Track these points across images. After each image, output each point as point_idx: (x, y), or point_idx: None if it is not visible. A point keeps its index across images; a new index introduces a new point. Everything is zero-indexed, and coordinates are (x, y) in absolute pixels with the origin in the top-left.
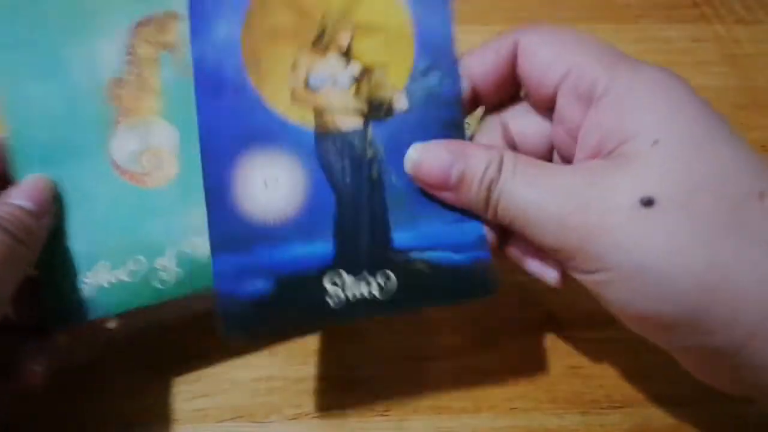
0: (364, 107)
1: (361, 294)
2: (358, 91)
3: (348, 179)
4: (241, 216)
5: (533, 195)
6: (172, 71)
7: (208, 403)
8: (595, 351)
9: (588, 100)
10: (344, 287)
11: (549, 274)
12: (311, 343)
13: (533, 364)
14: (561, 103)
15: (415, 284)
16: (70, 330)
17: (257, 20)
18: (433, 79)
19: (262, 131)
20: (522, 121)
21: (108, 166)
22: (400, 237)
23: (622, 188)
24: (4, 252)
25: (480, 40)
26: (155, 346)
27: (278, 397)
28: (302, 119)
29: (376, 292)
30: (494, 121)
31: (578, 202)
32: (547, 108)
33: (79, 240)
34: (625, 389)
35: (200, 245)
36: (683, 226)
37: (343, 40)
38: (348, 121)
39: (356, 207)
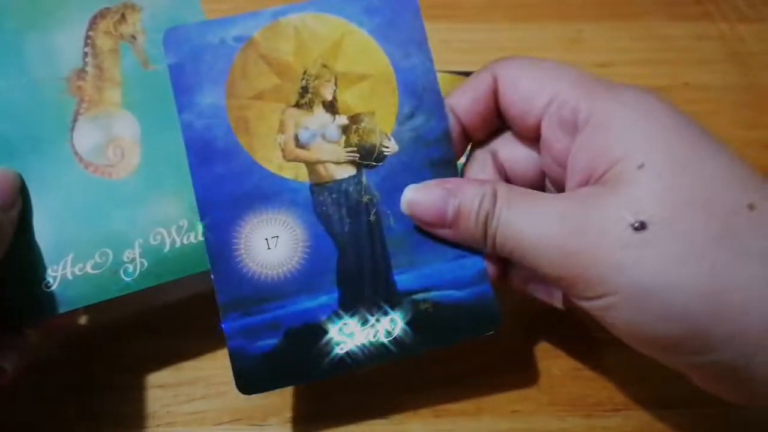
0: (356, 155)
1: (369, 341)
2: (348, 141)
3: (347, 227)
4: (247, 276)
5: (529, 225)
6: (132, 62)
7: (206, 405)
8: (597, 353)
9: (572, 127)
10: (351, 335)
11: (555, 298)
12: None
13: (535, 367)
14: (546, 133)
15: (420, 326)
16: (37, 326)
17: (239, 86)
18: (419, 120)
19: (259, 192)
20: (510, 149)
21: (71, 158)
22: (403, 279)
23: (614, 214)
24: None
25: (482, 38)
26: (152, 349)
27: (276, 400)
28: (296, 175)
29: (383, 337)
30: (483, 153)
31: (574, 229)
32: (533, 137)
33: (44, 234)
34: (627, 392)
35: (165, 236)
36: (677, 244)
37: (327, 93)
38: (341, 170)
39: (357, 254)
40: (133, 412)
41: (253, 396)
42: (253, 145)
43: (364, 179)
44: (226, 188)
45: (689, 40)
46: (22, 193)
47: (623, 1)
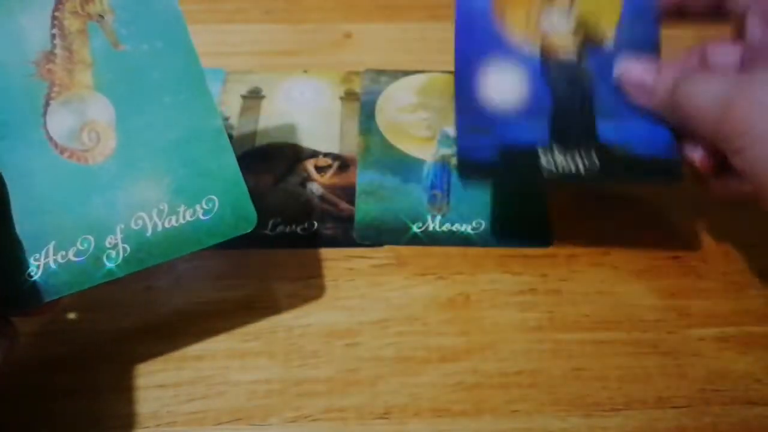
0: (580, 45)
1: (569, 168)
2: (576, 33)
3: (564, 88)
4: (481, 106)
5: (700, 88)
6: (101, 42)
7: (206, 405)
8: (597, 353)
9: None
10: (555, 162)
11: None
12: (310, 345)
13: (535, 367)
14: (749, 24)
15: (613, 165)
16: (23, 315)
17: None
18: (636, 31)
19: (502, 51)
20: (721, 53)
21: (46, 144)
22: (604, 129)
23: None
24: None
25: None
26: (151, 348)
27: (277, 400)
28: (533, 48)
29: (581, 168)
30: (695, 51)
31: (740, 92)
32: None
33: (23, 223)
34: (627, 392)
35: (146, 220)
36: None
37: None
38: (567, 52)
39: (570, 107)
40: (133, 412)
41: (254, 396)
42: (505, 22)
43: (584, 62)
44: (479, 45)
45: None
46: None
47: None
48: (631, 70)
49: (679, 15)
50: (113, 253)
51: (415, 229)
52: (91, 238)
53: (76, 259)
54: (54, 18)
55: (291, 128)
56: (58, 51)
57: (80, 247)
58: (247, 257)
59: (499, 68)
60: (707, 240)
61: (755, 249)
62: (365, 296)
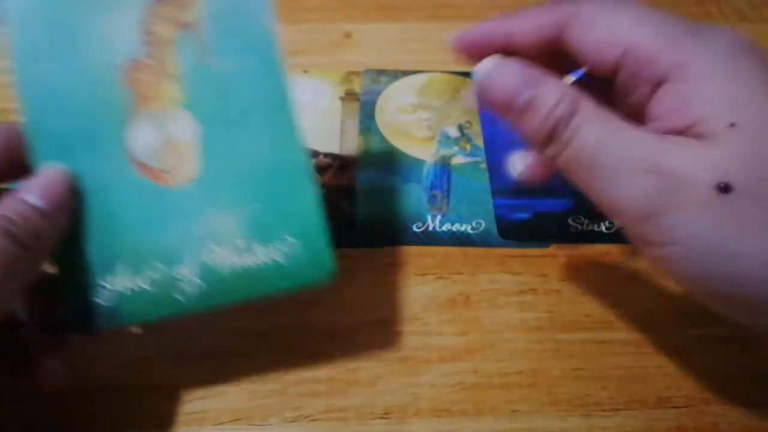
0: None
1: (592, 228)
2: None
3: None
4: (511, 179)
5: (610, 147)
6: (190, 54)
7: (206, 405)
8: (597, 353)
9: (650, 80)
10: (581, 224)
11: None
12: (310, 344)
13: (535, 367)
14: (621, 82)
15: None
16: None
17: None
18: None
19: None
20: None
21: (125, 159)
22: None
23: (700, 168)
24: (3, 261)
25: None
26: (153, 349)
27: (277, 400)
28: None
29: (603, 228)
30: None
31: (656, 167)
32: (605, 78)
33: (96, 240)
34: (627, 391)
35: (220, 254)
36: (757, 214)
37: None
38: None
39: None
40: (133, 413)
41: (254, 396)
42: None
43: None
44: (504, 136)
45: None
46: (74, 196)
47: None
48: (501, 76)
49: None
50: (186, 287)
51: (415, 229)
52: (163, 266)
53: (146, 286)
54: (145, 22)
55: None
56: (146, 59)
57: (151, 275)
58: None
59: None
60: None
61: None
62: (365, 296)
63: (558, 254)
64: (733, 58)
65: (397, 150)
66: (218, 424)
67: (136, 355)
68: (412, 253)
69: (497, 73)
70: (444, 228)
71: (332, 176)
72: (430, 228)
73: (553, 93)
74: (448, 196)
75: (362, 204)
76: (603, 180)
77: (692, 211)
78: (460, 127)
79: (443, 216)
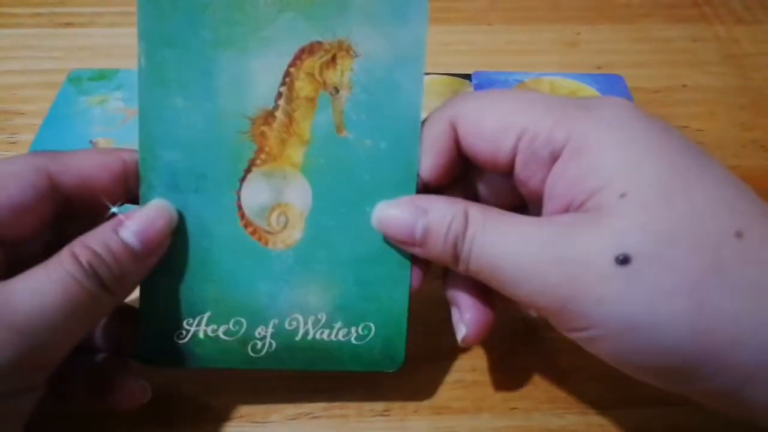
0: None
1: None
2: None
3: None
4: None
5: (506, 251)
6: (326, 120)
7: (208, 403)
8: None
9: (547, 160)
10: None
11: (532, 312)
12: None
13: (533, 365)
14: (519, 168)
15: None
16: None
17: None
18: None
19: None
20: (483, 183)
21: (233, 210)
22: None
23: (596, 245)
24: (83, 303)
25: (480, 40)
26: None
27: (278, 397)
28: None
29: None
30: (454, 190)
31: (555, 258)
32: (506, 173)
33: (188, 281)
34: (625, 389)
35: (300, 323)
36: (663, 278)
37: None
38: None
39: None
40: (133, 411)
41: (255, 393)
42: None
43: None
44: None
45: (686, 42)
46: (172, 236)
47: (621, 3)
48: (393, 216)
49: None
50: (259, 344)
51: None
52: (244, 322)
53: (225, 337)
54: (287, 74)
55: None
56: (278, 114)
57: (232, 328)
58: None
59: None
60: None
61: None
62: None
63: None
64: (622, 126)
65: None
66: (220, 421)
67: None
68: None
69: (388, 216)
70: None
71: None
72: None
73: (443, 213)
74: None
75: None
76: (513, 282)
77: (599, 290)
78: None
79: None
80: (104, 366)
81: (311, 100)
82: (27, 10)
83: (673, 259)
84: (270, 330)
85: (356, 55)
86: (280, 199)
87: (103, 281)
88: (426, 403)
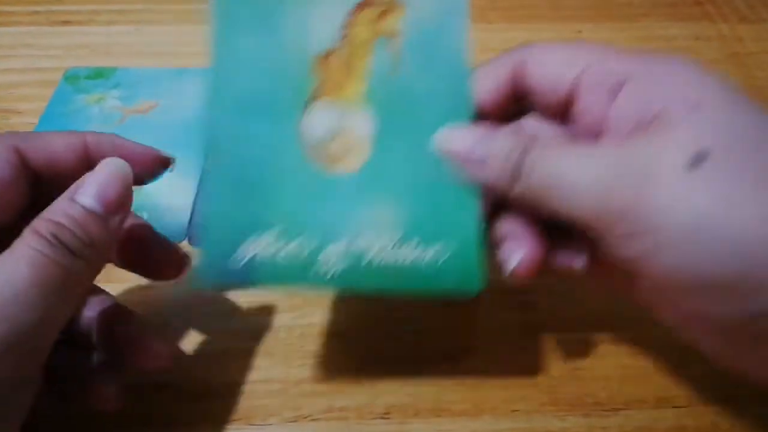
0: None
1: None
2: None
3: None
4: None
5: (569, 164)
6: (382, 60)
7: (206, 405)
8: (597, 353)
9: (612, 86)
10: None
11: (576, 259)
12: (309, 345)
13: (534, 367)
14: (581, 100)
15: None
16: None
17: None
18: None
19: None
20: (534, 128)
21: (297, 138)
22: None
23: (669, 149)
24: (56, 273)
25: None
26: None
27: (277, 400)
28: None
29: None
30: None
31: (620, 167)
32: (560, 113)
33: (251, 203)
34: (627, 391)
35: (370, 243)
36: (735, 179)
37: None
38: None
39: None
40: (134, 412)
41: (254, 396)
42: None
43: None
44: None
45: (689, 41)
46: (239, 160)
47: (622, 1)
48: (456, 139)
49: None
50: (328, 264)
51: None
52: (312, 242)
53: (289, 257)
54: (346, 22)
55: None
56: (338, 53)
57: (299, 246)
58: None
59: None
60: None
61: None
62: (365, 297)
63: None
64: (684, 64)
65: None
66: (219, 423)
67: None
68: None
69: (453, 137)
70: None
71: None
72: None
73: (507, 136)
74: None
75: None
76: (572, 197)
77: (666, 194)
78: None
79: None
80: (88, 366)
81: (367, 43)
82: (24, 8)
83: (746, 161)
84: (337, 251)
85: (404, 9)
86: (342, 126)
87: (71, 249)
88: (426, 405)
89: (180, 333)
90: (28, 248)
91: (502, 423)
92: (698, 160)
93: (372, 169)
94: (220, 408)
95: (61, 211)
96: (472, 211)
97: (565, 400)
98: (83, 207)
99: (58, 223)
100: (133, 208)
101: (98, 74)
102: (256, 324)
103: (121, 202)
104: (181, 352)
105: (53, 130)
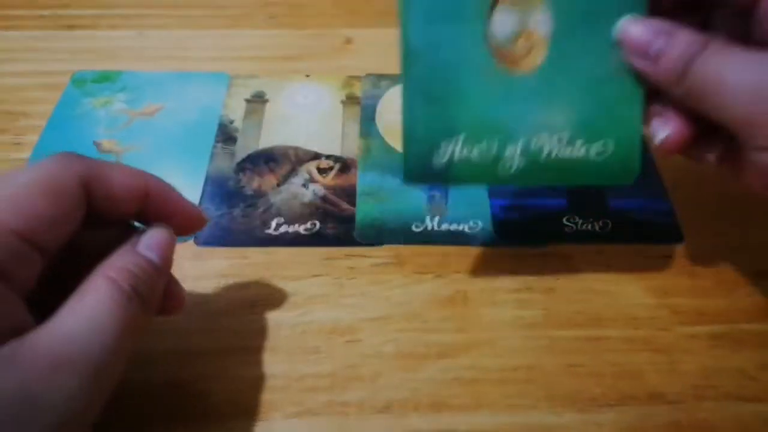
0: None
1: (586, 228)
2: None
3: None
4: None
5: (735, 67)
6: None
7: (208, 401)
8: (592, 349)
9: None
10: (575, 223)
11: (710, 156)
12: (312, 340)
13: (531, 363)
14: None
15: (622, 227)
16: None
17: None
18: None
19: None
20: (717, 20)
21: (482, 41)
22: (616, 203)
23: None
24: (132, 319)
25: None
26: (153, 346)
27: (279, 395)
28: None
29: (597, 229)
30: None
31: None
32: (744, 15)
33: (444, 108)
34: (622, 388)
35: (545, 142)
36: None
37: None
38: None
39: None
40: (134, 410)
41: (256, 391)
42: None
43: None
44: None
45: None
46: (431, 65)
47: None
48: (636, 30)
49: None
50: (510, 163)
51: (414, 228)
52: (495, 143)
53: (477, 157)
54: None
55: (294, 131)
56: None
57: (483, 148)
58: (251, 256)
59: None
60: (699, 240)
61: (746, 249)
62: (366, 294)
63: (553, 253)
64: None
65: (397, 152)
66: (221, 418)
67: (138, 351)
68: (411, 252)
69: (633, 29)
70: (443, 228)
71: (334, 178)
72: (429, 228)
73: (686, 34)
74: (446, 196)
75: (363, 204)
76: (727, 102)
77: None
78: None
79: (442, 216)
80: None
81: None
82: (31, 12)
83: None
84: (518, 149)
85: None
86: (525, 26)
87: (144, 298)
88: (425, 400)
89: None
90: (110, 298)
91: (500, 418)
92: None
93: (548, 70)
94: (222, 402)
95: (133, 261)
96: (635, 109)
97: (562, 396)
98: (148, 259)
99: (135, 274)
100: None
101: (105, 78)
102: (259, 321)
103: (171, 258)
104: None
105: (116, 164)
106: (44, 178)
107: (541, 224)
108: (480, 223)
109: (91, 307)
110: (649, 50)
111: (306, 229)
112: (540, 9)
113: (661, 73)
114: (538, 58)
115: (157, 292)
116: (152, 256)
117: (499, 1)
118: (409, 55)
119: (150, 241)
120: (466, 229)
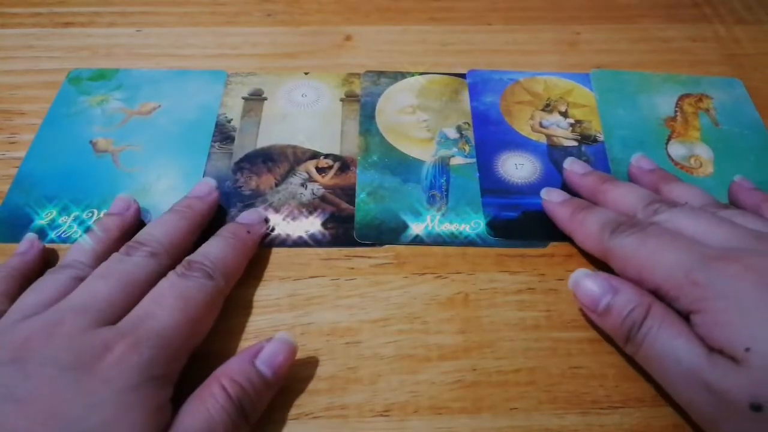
0: (578, 138)
1: None
2: (573, 130)
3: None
4: (501, 179)
5: (672, 354)
6: (707, 121)
7: None
8: (595, 351)
9: (683, 312)
10: None
11: None
12: (311, 343)
13: (533, 365)
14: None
15: None
16: None
17: (508, 96)
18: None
19: (513, 142)
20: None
21: (666, 159)
22: None
23: (736, 389)
24: (234, 428)
25: (480, 40)
26: None
27: (278, 398)
28: (538, 139)
29: None
30: None
31: (708, 384)
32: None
33: None
34: (624, 390)
35: None
36: None
37: (562, 107)
38: (568, 142)
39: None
40: None
41: None
42: (512, 121)
43: (583, 150)
44: (495, 137)
45: (686, 42)
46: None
47: (620, 3)
48: (583, 285)
49: None
50: None
51: (414, 228)
52: None
53: None
54: (678, 103)
55: (292, 130)
56: (678, 117)
57: None
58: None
59: (513, 155)
60: None
61: None
62: (365, 295)
63: (555, 254)
64: (753, 283)
65: (397, 151)
66: None
67: None
68: (411, 252)
69: (584, 281)
70: (443, 228)
71: (333, 177)
72: (429, 228)
73: (630, 299)
74: (446, 196)
75: (362, 204)
76: (671, 384)
77: (738, 424)
78: (459, 129)
79: (442, 216)
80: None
81: (695, 114)
82: (27, 9)
83: None
84: None
85: (712, 98)
86: (693, 153)
87: (246, 412)
88: (426, 403)
89: None
90: (219, 405)
91: (501, 421)
92: (757, 408)
93: (717, 177)
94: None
95: (245, 373)
96: None
97: (564, 398)
98: (260, 372)
99: (243, 387)
100: None
101: (101, 75)
102: (258, 323)
103: (285, 373)
104: None
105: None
106: None
107: (536, 223)
108: (481, 223)
109: (204, 411)
110: (597, 307)
111: (305, 230)
112: (700, 143)
113: (609, 330)
114: (706, 170)
115: (260, 405)
116: (264, 369)
117: (671, 140)
118: (610, 166)
119: (269, 357)
120: (467, 230)
